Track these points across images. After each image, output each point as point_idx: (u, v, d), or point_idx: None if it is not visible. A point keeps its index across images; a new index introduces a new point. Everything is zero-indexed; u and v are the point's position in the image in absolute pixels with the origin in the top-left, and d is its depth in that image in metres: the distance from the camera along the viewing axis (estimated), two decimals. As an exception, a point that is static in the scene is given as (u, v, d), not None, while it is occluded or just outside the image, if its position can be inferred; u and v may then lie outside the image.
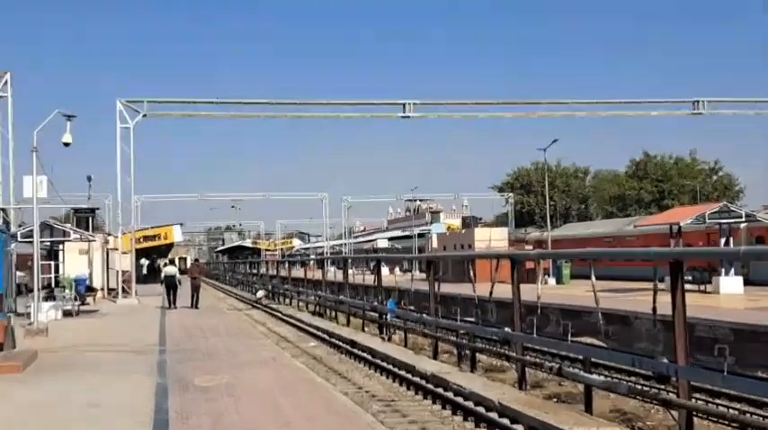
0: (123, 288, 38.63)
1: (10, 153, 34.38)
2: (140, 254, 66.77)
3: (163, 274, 34.90)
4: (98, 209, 44.47)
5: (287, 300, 43.52)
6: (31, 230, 26.56)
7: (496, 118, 44.11)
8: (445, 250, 51.02)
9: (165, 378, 13.96)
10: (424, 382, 16.03)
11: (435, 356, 19.22)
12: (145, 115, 38.76)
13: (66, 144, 23.90)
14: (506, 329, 15.73)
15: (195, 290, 33.33)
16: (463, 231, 55.81)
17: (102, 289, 41.04)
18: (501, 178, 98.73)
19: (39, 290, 23.58)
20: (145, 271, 76.28)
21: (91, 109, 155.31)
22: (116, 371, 14.90)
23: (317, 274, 45.38)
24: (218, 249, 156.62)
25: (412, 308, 26.36)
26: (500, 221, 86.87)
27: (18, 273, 40.14)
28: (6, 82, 33.85)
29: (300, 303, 39.87)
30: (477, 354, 17.68)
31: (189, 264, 71.99)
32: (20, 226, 34.53)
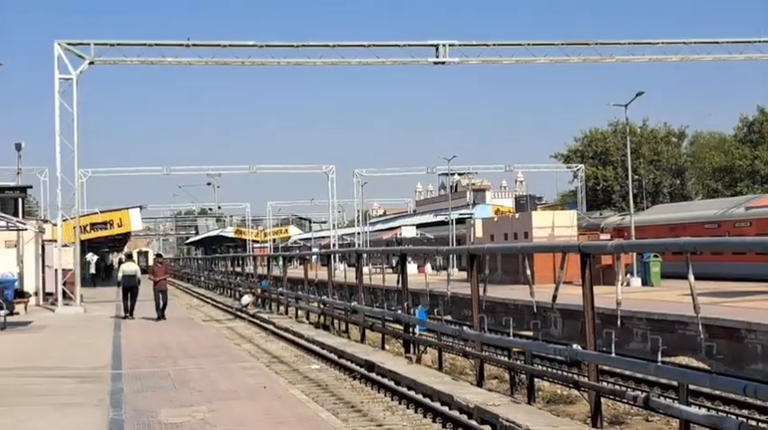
0: (64, 292, 38.86)
1: None
2: (86, 247, 67.32)
3: (120, 274, 34.94)
4: (30, 187, 44.64)
5: (281, 308, 43.64)
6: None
7: (561, 63, 43.76)
8: (493, 241, 50.95)
9: (120, 412, 14.02)
10: (465, 418, 16.00)
11: (480, 383, 19.18)
12: (92, 62, 38.83)
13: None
14: (575, 347, 15.65)
15: (160, 294, 33.47)
16: (517, 215, 55.66)
17: (37, 293, 41.36)
18: (567, 144, 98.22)
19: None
20: (92, 269, 76.93)
21: (20, 55, 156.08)
22: (54, 402, 14.96)
23: (322, 274, 45.45)
24: (190, 241, 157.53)
25: (449, 318, 26.38)
26: (566, 202, 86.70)
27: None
28: None
29: (299, 312, 39.89)
30: (537, 380, 17.61)
31: (151, 261, 72.31)
32: None
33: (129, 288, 33.76)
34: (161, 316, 32.77)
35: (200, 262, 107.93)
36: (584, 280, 15.02)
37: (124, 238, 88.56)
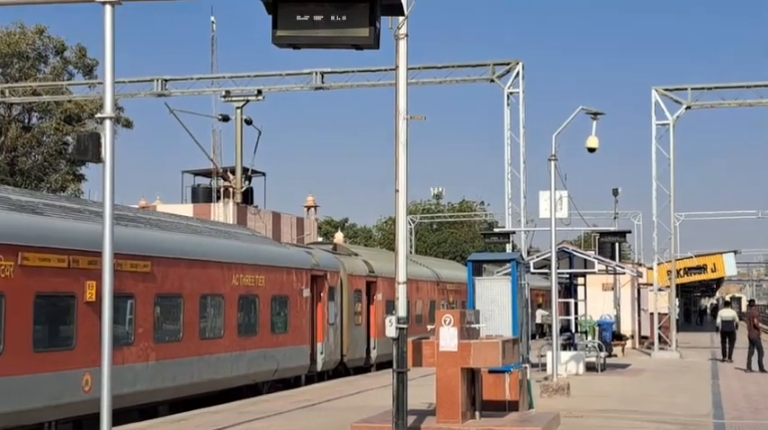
0: (660, 336, 38.98)
1: (521, 163, 37.20)
2: (679, 291, 66.97)
3: (719, 319, 35.53)
4: (629, 232, 45.65)
5: None
6: (546, 259, 28.20)
7: None
8: None
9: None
10: None
11: None
12: (689, 107, 38.78)
13: (592, 149, 24.90)
14: None
15: (754, 344, 32.28)
16: None
17: (633, 336, 41.91)
18: None
19: (557, 336, 24.86)
20: (681, 313, 76.44)
21: (618, 100, 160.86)
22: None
23: None
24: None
25: None
26: None
27: (541, 312, 43.20)
28: (518, 74, 36.68)
29: None
30: None
31: (744, 307, 69.98)
32: (528, 253, 36.94)
33: (728, 333, 34.81)
34: (752, 367, 31.42)
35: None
36: None
37: (717, 283, 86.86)
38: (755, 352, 31.81)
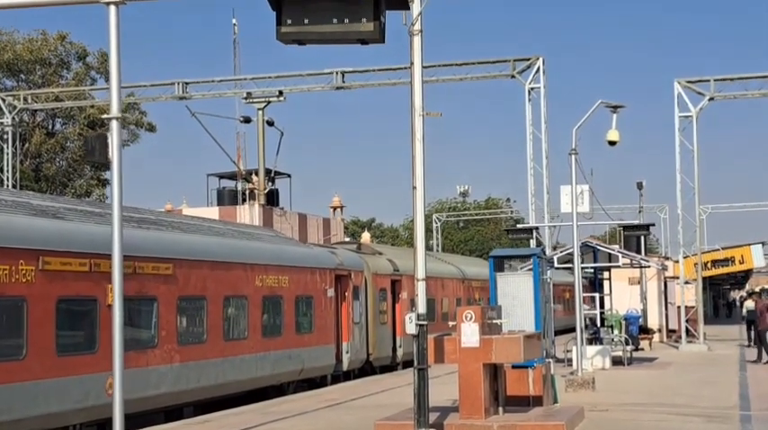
0: (687, 329, 38.74)
1: (543, 158, 37.12)
2: (707, 283, 66.51)
3: (744, 310, 35.59)
4: (653, 225, 45.35)
5: None
6: (570, 254, 28.08)
7: None
8: None
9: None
10: None
11: None
12: (712, 98, 38.49)
13: (612, 143, 24.76)
14: None
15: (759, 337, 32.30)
16: None
17: (660, 330, 41.68)
18: None
19: (581, 330, 24.74)
20: (710, 306, 76.01)
21: (640, 93, 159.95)
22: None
23: None
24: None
25: None
26: None
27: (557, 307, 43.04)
28: (538, 69, 36.61)
29: None
30: None
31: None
32: (554, 248, 36.83)
33: (753, 322, 35.34)
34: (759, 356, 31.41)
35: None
36: None
37: (746, 275, 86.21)
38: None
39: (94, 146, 9.61)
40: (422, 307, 13.78)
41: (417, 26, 13.73)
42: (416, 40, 13.85)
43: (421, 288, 13.88)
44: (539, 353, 17.38)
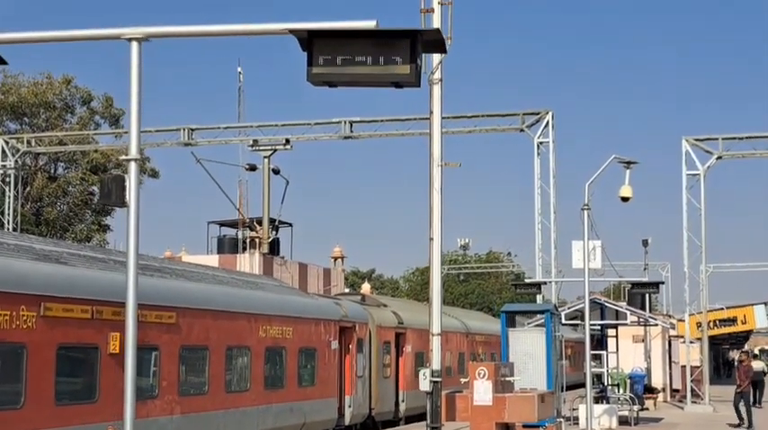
0: (692, 389, 38.16)
1: (551, 212, 36.71)
2: (709, 343, 65.82)
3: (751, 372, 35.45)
4: (662, 283, 44.92)
5: None
6: (577, 311, 27.68)
7: None
8: None
9: None
10: None
11: None
12: (720, 157, 38.25)
13: (625, 199, 24.44)
14: None
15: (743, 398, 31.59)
16: None
17: (664, 389, 41.10)
18: None
19: (590, 389, 24.20)
20: (711, 366, 75.24)
21: (647, 149, 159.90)
22: None
23: None
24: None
25: None
26: None
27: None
28: (547, 123, 36.38)
29: None
30: None
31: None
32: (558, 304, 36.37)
33: (756, 382, 36.05)
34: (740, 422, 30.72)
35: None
36: None
37: (746, 336, 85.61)
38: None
39: (111, 188, 9.21)
40: (436, 363, 13.33)
41: (437, 75, 13.44)
42: (436, 89, 13.55)
43: (436, 343, 13.48)
44: (551, 412, 16.90)
